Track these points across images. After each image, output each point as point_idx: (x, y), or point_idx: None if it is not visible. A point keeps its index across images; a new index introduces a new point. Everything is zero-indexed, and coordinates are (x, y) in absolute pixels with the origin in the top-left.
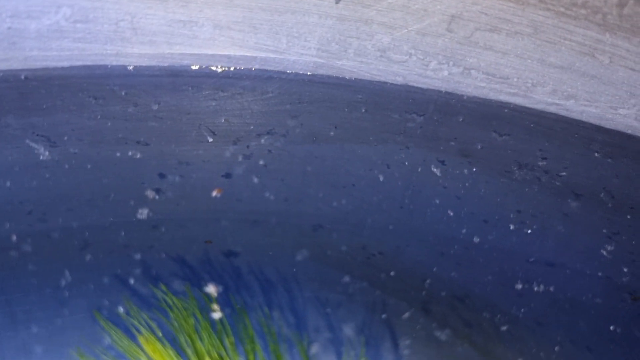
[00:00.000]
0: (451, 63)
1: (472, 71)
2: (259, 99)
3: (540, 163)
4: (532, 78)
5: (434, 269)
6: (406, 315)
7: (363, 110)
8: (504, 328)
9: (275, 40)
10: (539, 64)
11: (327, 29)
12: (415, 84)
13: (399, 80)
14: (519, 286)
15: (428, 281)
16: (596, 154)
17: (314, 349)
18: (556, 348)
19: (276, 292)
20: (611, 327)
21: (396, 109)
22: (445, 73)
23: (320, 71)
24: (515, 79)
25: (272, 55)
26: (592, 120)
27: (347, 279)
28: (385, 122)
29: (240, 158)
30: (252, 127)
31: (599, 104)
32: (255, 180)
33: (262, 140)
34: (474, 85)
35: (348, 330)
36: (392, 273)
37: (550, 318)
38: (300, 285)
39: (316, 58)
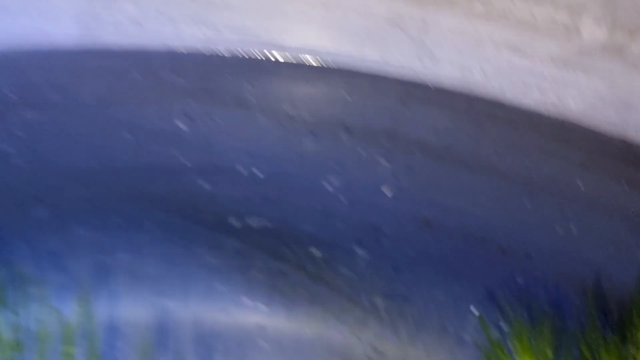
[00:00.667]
0: None
1: None
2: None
3: (286, 109)
4: None
5: None
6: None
7: (138, 76)
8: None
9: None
10: None
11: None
12: (176, 49)
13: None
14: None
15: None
16: (346, 96)
17: None
18: (363, 268)
19: None
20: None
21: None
22: None
23: (83, 44)
24: None
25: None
26: (341, 65)
27: None
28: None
29: None
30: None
31: None
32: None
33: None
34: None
35: None
36: None
37: (358, 244)
38: None
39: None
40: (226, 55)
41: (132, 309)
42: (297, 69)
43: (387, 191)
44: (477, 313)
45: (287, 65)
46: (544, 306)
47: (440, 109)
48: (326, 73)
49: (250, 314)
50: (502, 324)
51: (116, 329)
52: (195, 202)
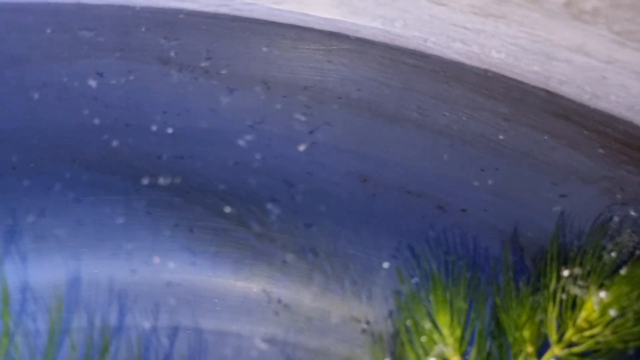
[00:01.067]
0: None
1: None
2: None
3: (202, 64)
4: None
5: None
6: None
7: (48, 31)
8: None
9: None
10: None
11: None
12: (87, 2)
13: None
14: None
15: None
16: (264, 49)
17: None
18: (303, 226)
19: None
20: (323, 207)
21: (75, 27)
22: None
23: None
24: None
25: None
26: (260, 16)
27: None
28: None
29: None
30: None
31: None
32: None
33: None
34: None
35: None
36: None
37: (271, 200)
38: None
39: None
40: (141, 9)
41: (43, 270)
42: (214, 22)
43: (302, 147)
44: (392, 266)
45: (204, 17)
46: (463, 259)
47: (362, 61)
48: (244, 25)
49: (160, 273)
50: (419, 276)
51: (27, 291)
52: (106, 160)
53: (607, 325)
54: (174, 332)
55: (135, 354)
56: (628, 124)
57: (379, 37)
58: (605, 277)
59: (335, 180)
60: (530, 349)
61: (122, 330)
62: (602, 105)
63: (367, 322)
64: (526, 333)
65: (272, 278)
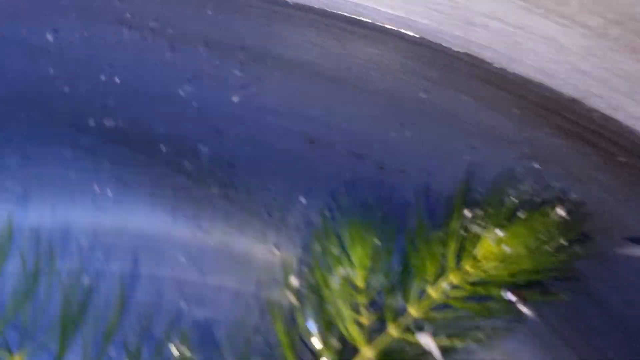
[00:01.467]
0: None
1: None
2: None
3: (151, 24)
4: None
5: None
6: None
7: None
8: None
9: None
10: None
11: None
12: None
13: None
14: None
15: None
16: (209, 12)
17: None
18: (205, 162)
19: None
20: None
21: None
22: None
23: None
24: None
25: None
26: None
27: None
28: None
29: None
30: None
31: None
32: None
33: None
34: None
35: None
36: None
37: (202, 142)
38: None
39: None
40: None
41: None
42: None
43: (235, 99)
44: (311, 203)
45: None
46: (380, 204)
47: (300, 26)
48: None
49: (100, 202)
50: (337, 216)
51: None
52: (57, 103)
53: (500, 259)
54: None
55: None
56: (540, 86)
57: (316, 4)
58: (505, 219)
59: (264, 128)
60: (430, 276)
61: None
62: (518, 68)
63: (278, 248)
64: (429, 264)
65: (197, 211)
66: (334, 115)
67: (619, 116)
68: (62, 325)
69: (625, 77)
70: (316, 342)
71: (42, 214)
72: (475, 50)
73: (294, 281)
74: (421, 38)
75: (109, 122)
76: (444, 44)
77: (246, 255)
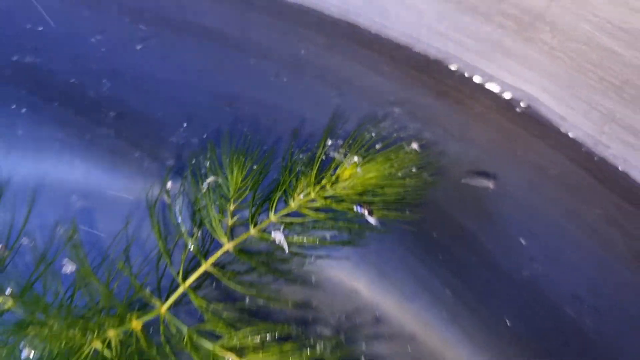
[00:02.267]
0: None
1: None
2: None
3: None
4: None
5: None
6: None
7: None
8: None
9: None
10: None
11: None
12: None
13: None
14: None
15: None
16: None
17: None
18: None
19: None
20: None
21: None
22: None
23: None
24: None
25: None
26: None
27: None
28: None
29: None
30: None
31: None
32: None
33: None
34: None
35: None
36: None
37: (106, 78)
38: None
39: None
40: None
41: None
42: None
43: (137, 46)
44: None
45: None
46: (258, 140)
47: None
48: None
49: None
50: (223, 151)
51: None
52: None
53: (355, 180)
54: None
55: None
56: (408, 49)
57: None
58: (364, 150)
59: (159, 69)
60: (292, 192)
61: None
62: (390, 33)
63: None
64: (294, 182)
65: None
66: (219, 65)
67: (474, 74)
68: None
69: (474, 37)
70: (185, 236)
71: None
72: (352, 18)
73: (169, 185)
74: (307, 7)
75: (29, 59)
76: (327, 12)
77: (134, 168)
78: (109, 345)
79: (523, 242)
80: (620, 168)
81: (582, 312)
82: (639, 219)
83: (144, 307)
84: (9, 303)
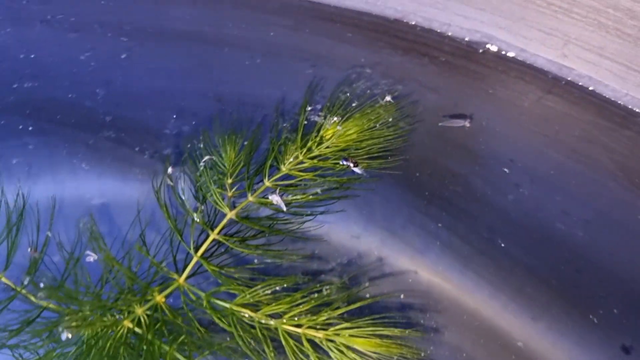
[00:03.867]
0: None
1: None
2: None
3: (57, 17)
4: None
5: None
6: None
7: None
8: None
9: None
10: None
11: None
12: None
13: None
14: None
15: None
16: (102, 2)
17: None
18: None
19: None
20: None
21: None
22: None
23: None
24: None
25: None
26: None
27: None
28: None
29: None
30: None
31: None
32: None
33: None
34: None
35: None
36: None
37: (99, 87)
38: None
39: None
40: None
41: None
42: None
43: (122, 55)
44: (176, 118)
45: None
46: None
47: (181, 3)
48: None
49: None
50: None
51: None
52: None
53: (337, 138)
54: None
55: None
56: (368, 14)
57: None
58: (341, 109)
59: (146, 73)
60: (282, 158)
61: None
62: (347, 4)
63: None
64: (283, 149)
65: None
66: (200, 60)
67: (434, 25)
68: (7, 235)
69: None
70: (193, 211)
71: None
72: None
73: (170, 170)
74: None
75: (28, 84)
76: None
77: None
78: (138, 323)
79: (507, 170)
80: (588, 87)
81: (572, 225)
82: (616, 132)
83: (164, 282)
84: (44, 297)
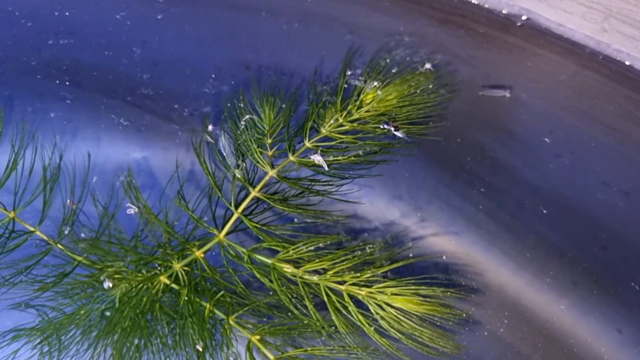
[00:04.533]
0: None
1: None
2: None
3: None
4: None
5: None
6: None
7: None
8: None
9: None
10: None
11: None
12: None
13: None
14: None
15: None
16: None
17: None
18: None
19: None
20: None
21: None
22: None
23: None
24: None
25: None
26: None
27: None
28: None
29: None
30: None
31: None
32: None
33: None
34: None
35: None
36: None
37: (136, 47)
38: None
39: None
40: None
41: None
42: None
43: (158, 16)
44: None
45: None
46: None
47: None
48: None
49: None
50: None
51: None
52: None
53: (378, 102)
54: None
55: None
56: None
57: None
58: (381, 75)
59: (180, 33)
60: (322, 120)
61: None
62: None
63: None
64: (322, 112)
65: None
66: (235, 24)
67: None
68: (44, 186)
69: None
70: (233, 169)
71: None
72: None
73: (210, 128)
74: None
75: (63, 41)
76: None
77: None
78: (176, 279)
79: (547, 140)
80: (625, 62)
81: (612, 195)
82: None
83: (201, 239)
84: (82, 251)
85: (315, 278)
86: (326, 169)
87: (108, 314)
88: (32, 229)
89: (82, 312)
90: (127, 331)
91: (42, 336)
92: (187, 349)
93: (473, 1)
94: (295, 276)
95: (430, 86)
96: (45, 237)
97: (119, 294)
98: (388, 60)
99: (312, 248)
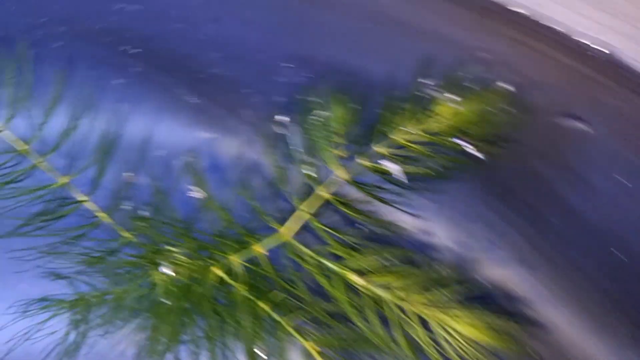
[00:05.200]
0: None
1: None
2: None
3: None
4: None
5: None
6: None
7: None
8: None
9: None
10: None
11: None
12: None
13: None
14: None
15: None
16: None
17: None
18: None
19: None
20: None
21: None
22: None
23: None
24: None
25: None
26: None
27: None
28: None
29: None
30: None
31: None
32: None
33: None
34: None
35: None
36: None
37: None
38: None
39: None
40: None
41: None
42: None
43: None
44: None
45: None
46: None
47: None
48: None
49: None
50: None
51: None
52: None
53: (453, 116)
54: None
55: None
56: (485, 1)
57: None
58: (457, 89)
59: (254, 20)
60: (394, 126)
61: None
62: None
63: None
64: (394, 117)
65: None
66: (308, 16)
67: (554, 23)
68: (100, 155)
69: None
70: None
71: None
72: None
73: (279, 118)
74: None
75: (132, 7)
76: None
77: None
78: (230, 272)
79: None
80: None
81: None
82: None
83: (262, 234)
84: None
85: (381, 292)
86: (405, 180)
87: (151, 299)
88: (83, 197)
89: (124, 292)
90: (173, 319)
91: (72, 310)
92: (232, 348)
93: (557, 28)
94: (359, 286)
95: (505, 106)
96: (97, 208)
97: (169, 281)
98: (463, 74)
99: (382, 260)
